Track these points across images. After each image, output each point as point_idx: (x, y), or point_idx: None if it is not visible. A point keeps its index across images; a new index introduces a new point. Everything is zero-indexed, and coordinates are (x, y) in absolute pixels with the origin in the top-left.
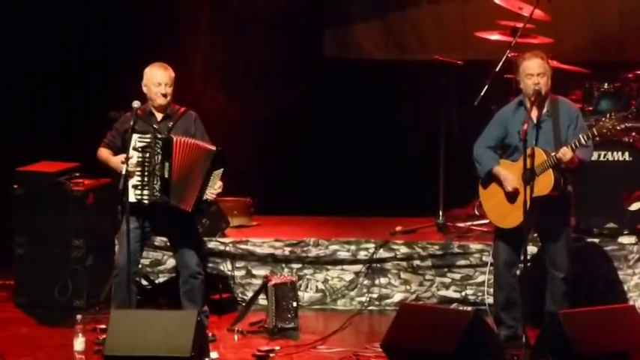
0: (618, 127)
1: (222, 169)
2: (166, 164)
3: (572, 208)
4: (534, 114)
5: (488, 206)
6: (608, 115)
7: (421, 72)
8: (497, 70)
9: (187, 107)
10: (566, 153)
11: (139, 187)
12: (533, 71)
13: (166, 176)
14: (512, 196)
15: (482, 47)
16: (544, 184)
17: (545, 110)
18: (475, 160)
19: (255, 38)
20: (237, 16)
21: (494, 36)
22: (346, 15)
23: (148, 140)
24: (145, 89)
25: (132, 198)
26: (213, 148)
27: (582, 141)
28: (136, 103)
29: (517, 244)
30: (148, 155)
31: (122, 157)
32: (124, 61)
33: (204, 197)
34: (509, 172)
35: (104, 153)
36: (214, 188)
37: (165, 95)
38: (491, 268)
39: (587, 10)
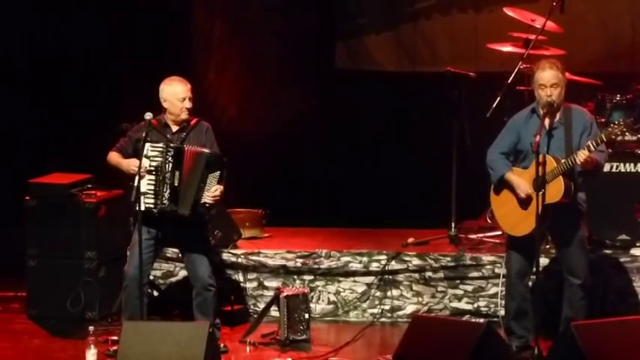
0: (627, 134)
1: (219, 172)
2: (177, 173)
3: (585, 216)
4: (547, 122)
5: (499, 214)
6: (616, 122)
7: (433, 84)
8: (509, 81)
9: (200, 117)
10: (586, 157)
11: (149, 196)
12: (547, 82)
13: (176, 184)
14: (523, 204)
15: (495, 59)
16: (555, 191)
17: (557, 118)
18: (488, 165)
19: (267, 50)
20: (250, 28)
21: (507, 48)
22: (358, 27)
23: (160, 149)
24: (165, 104)
25: (142, 207)
26: (207, 150)
27: (592, 147)
28: (148, 115)
29: (530, 254)
30: (158, 164)
31: (133, 161)
32: (136, 72)
33: (202, 201)
34: (520, 178)
35: (115, 157)
36: (211, 191)
37: (189, 110)
38: (504, 279)
39: (600, 22)
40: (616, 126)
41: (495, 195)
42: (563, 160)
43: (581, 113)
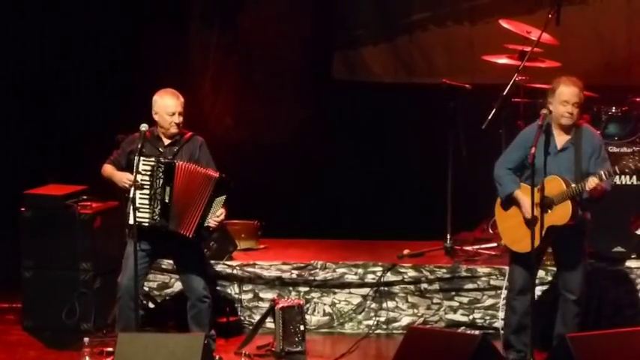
0: (624, 147)
1: (225, 196)
2: (167, 189)
3: (588, 235)
4: (558, 140)
5: (502, 227)
6: (631, 153)
7: (429, 95)
8: (505, 93)
9: (194, 132)
10: (596, 185)
11: (140, 210)
12: (569, 99)
13: (167, 201)
14: (528, 222)
15: (490, 71)
16: (562, 214)
17: (568, 138)
18: (496, 180)
19: (264, 60)
20: (246, 37)
21: (502, 60)
22: (355, 38)
23: (152, 164)
24: (155, 117)
25: (132, 220)
26: (216, 175)
27: (603, 177)
28: (143, 126)
29: (533, 269)
30: (150, 179)
31: (127, 174)
32: (132, 83)
33: (206, 224)
34: (528, 198)
35: (108, 169)
36: (216, 215)
37: (178, 124)
38: (504, 291)
39: (596, 34)
40: (630, 158)
41: (501, 208)
42: (573, 185)
43: (591, 134)
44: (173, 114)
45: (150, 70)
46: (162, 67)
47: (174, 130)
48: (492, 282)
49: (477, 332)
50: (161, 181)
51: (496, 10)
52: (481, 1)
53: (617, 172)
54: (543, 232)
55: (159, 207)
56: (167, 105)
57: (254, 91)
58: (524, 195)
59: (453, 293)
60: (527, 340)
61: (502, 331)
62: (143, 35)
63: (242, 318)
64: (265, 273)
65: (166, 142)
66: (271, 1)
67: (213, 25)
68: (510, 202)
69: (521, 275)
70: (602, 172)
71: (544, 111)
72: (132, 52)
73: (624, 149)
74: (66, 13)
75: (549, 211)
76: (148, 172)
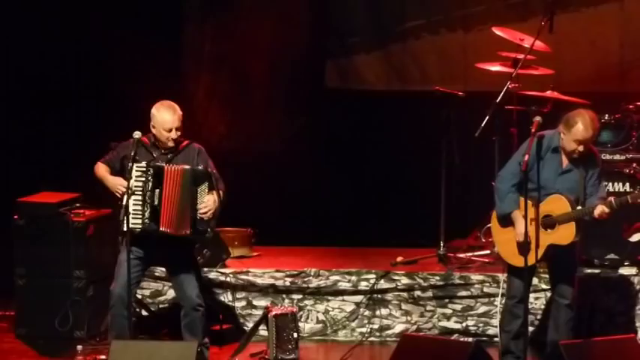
0: (617, 154)
1: (207, 184)
2: (156, 192)
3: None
4: (564, 160)
5: (498, 239)
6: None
7: (422, 103)
8: (498, 101)
9: (190, 140)
10: (604, 213)
11: (134, 216)
12: (585, 139)
13: (156, 204)
14: (520, 245)
15: (483, 78)
16: (565, 235)
17: (572, 160)
18: (497, 194)
19: (257, 69)
20: (239, 46)
21: (495, 67)
22: (348, 46)
23: (143, 169)
24: (153, 130)
25: (124, 226)
26: (187, 167)
27: (614, 206)
28: (136, 134)
29: (531, 279)
30: (141, 184)
31: (119, 179)
32: (125, 91)
33: (198, 217)
34: (522, 223)
35: (102, 169)
36: (205, 204)
37: (175, 140)
38: (498, 298)
39: (588, 41)
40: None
41: (498, 221)
42: (579, 208)
43: (593, 157)
44: (170, 130)
45: (143, 79)
46: (155, 76)
47: (171, 144)
48: (486, 289)
49: (470, 339)
50: (151, 185)
51: (489, 17)
52: (474, 9)
53: (629, 202)
54: (542, 251)
55: (148, 211)
56: (165, 121)
57: (247, 100)
58: (520, 218)
59: (447, 300)
60: (523, 348)
61: (498, 338)
62: (136, 43)
63: (235, 326)
64: (259, 280)
65: (162, 150)
66: (264, 9)
67: (207, 33)
68: (508, 219)
69: (521, 284)
70: (613, 201)
71: (537, 118)
72: (125, 61)
73: (617, 156)
74: (62, 21)
75: (550, 230)
76: (140, 178)
